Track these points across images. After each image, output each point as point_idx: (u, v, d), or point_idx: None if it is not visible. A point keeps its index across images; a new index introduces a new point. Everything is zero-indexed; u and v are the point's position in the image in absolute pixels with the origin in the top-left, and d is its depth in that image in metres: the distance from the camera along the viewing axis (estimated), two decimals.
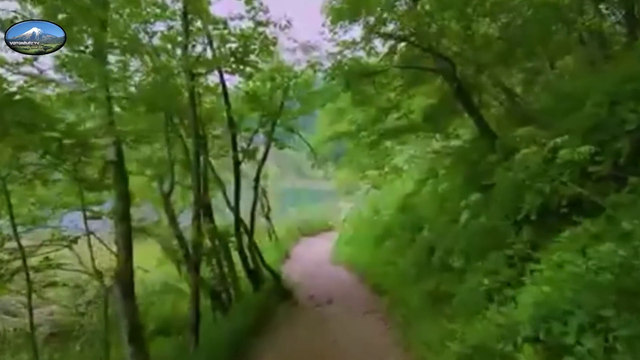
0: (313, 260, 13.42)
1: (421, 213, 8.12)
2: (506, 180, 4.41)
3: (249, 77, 6.65)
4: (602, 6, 6.25)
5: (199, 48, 6.68)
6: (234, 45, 6.66)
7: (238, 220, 7.65)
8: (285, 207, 23.53)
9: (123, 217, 4.48)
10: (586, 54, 6.52)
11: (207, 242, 6.77)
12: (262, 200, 14.15)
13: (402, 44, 6.99)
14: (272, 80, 7.79)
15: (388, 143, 17.49)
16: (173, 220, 6.78)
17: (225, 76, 7.20)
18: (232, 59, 6.60)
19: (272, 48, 7.16)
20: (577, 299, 2.48)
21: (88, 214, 4.49)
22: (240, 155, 7.44)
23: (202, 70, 6.35)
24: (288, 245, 15.96)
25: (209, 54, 6.82)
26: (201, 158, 6.60)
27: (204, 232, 5.55)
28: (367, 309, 6.98)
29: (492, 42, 6.32)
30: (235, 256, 8.00)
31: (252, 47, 6.66)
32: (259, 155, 8.87)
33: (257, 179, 8.55)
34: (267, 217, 14.14)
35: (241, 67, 6.64)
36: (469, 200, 5.11)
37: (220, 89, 7.03)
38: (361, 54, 7.37)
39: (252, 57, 6.71)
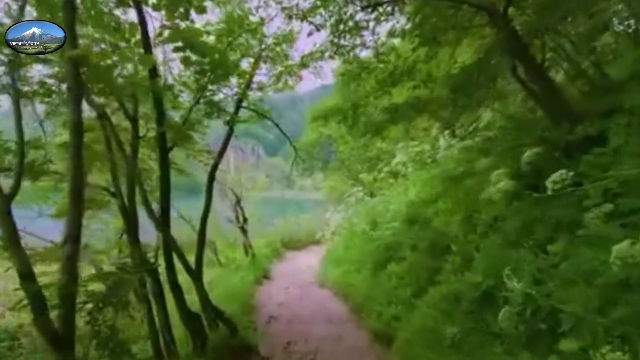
0: (296, 281, 10.73)
1: (443, 228, 5.60)
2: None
3: (184, 16, 3.94)
4: None
5: None
6: None
7: (167, 238, 4.89)
8: (269, 218, 20.93)
9: None
10: None
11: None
12: (236, 210, 11.48)
13: None
14: (229, 34, 5.16)
15: (383, 144, 15.10)
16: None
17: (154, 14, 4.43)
18: None
19: None
20: None
21: None
22: (168, 139, 4.64)
23: None
24: (268, 262, 13.25)
25: None
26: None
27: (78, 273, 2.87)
28: None
29: None
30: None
31: None
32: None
33: (210, 178, 5.90)
34: (243, 229, 11.43)
35: None
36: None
37: (139, 34, 4.21)
38: None
39: None
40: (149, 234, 5.77)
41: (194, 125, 4.77)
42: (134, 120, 4.75)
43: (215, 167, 5.86)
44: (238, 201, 11.27)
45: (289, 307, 7.91)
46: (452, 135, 9.13)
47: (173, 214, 11.38)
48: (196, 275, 5.53)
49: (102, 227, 6.17)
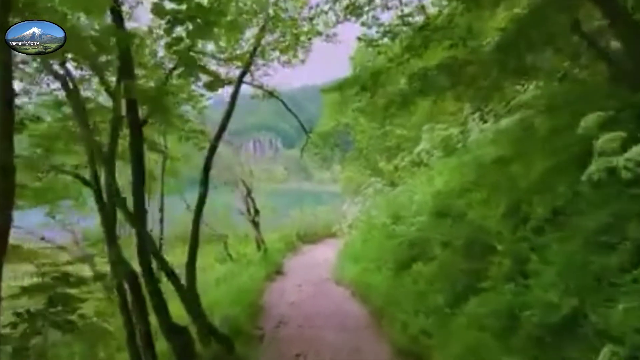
0: (311, 277, 9.88)
1: (480, 222, 4.58)
2: None
3: None
4: None
5: None
6: None
7: (143, 236, 3.83)
8: (286, 211, 20.17)
9: None
10: None
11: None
12: (247, 202, 10.67)
13: None
14: None
15: (404, 131, 13.95)
16: None
17: None
18: None
19: None
20: None
21: None
22: (142, 111, 3.69)
23: None
24: (282, 256, 12.45)
25: None
26: None
27: None
28: None
29: None
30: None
31: None
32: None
33: (206, 165, 5.01)
34: (254, 223, 10.62)
35: None
36: None
37: None
38: None
39: None
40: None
41: (174, 95, 3.89)
42: (113, 94, 3.91)
43: (212, 152, 4.98)
44: (249, 193, 10.44)
45: (301, 308, 7.05)
46: (483, 118, 8.00)
47: (181, 206, 10.72)
48: (188, 279, 4.70)
49: None
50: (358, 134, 15.94)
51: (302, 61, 5.80)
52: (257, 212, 10.78)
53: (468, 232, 4.59)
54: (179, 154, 12.54)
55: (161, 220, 8.25)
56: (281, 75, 5.71)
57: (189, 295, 4.62)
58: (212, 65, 5.79)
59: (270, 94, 5.70)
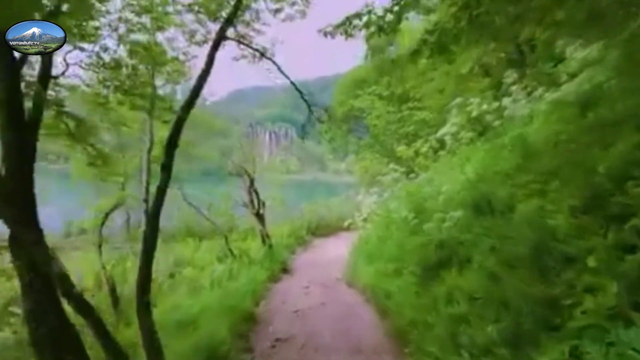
0: (320, 277, 8.65)
1: (537, 220, 3.18)
2: None
3: None
4: None
5: None
6: None
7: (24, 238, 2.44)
8: (298, 202, 19.00)
9: None
10: None
11: None
12: (250, 193, 9.44)
13: None
14: None
15: (424, 112, 12.39)
16: None
17: None
18: None
19: None
20: None
21: None
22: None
23: None
24: (291, 251, 11.24)
25: None
26: None
27: None
28: None
29: None
30: None
31: None
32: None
33: (170, 143, 3.67)
34: (258, 216, 9.38)
35: None
36: None
37: None
38: None
39: None
40: None
41: None
42: None
43: (179, 124, 3.67)
44: (252, 183, 9.20)
45: (306, 320, 5.80)
46: (526, 88, 6.47)
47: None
48: (139, 293, 3.49)
49: None
50: (374, 119, 14.49)
51: (302, 13, 4.44)
52: (261, 204, 9.53)
53: (529, 235, 3.19)
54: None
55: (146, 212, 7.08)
56: (297, 67, 4.56)
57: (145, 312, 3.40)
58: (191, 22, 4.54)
59: (262, 54, 4.38)
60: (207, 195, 13.39)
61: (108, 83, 3.82)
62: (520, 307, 2.82)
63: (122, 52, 4.19)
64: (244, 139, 17.85)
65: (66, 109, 3.44)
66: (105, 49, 3.62)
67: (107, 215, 6.57)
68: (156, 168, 9.10)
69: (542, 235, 3.07)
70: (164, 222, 13.02)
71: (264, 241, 9.61)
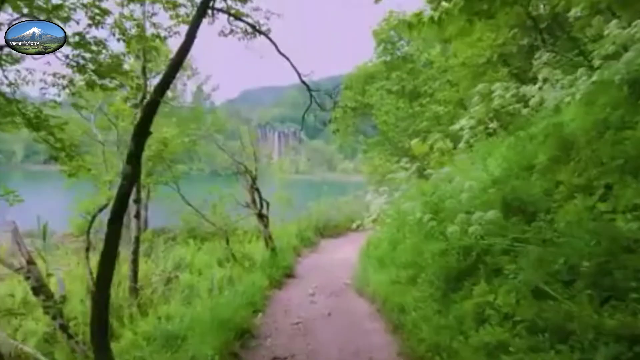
0: (327, 282, 7.95)
1: (597, 225, 2.44)
2: None
3: None
4: None
5: None
6: None
7: None
8: (306, 202, 18.29)
9: None
10: None
11: None
12: (252, 192, 8.80)
13: None
14: None
15: (440, 107, 11.60)
16: None
17: None
18: None
19: None
20: None
21: None
22: None
23: None
24: (297, 254, 10.57)
25: None
26: None
27: None
28: None
29: None
30: None
31: None
32: None
33: (139, 131, 2.94)
34: (260, 216, 8.73)
35: None
36: None
37: None
38: None
39: None
40: None
41: None
42: None
43: (152, 108, 2.98)
44: (254, 181, 8.54)
45: (310, 335, 5.11)
46: (556, 75, 5.67)
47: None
48: (94, 327, 2.82)
49: None
50: (383, 115, 13.72)
51: None
52: (263, 204, 8.87)
53: (583, 241, 2.45)
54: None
55: (137, 216, 6.48)
56: (307, 68, 4.04)
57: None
58: None
59: (254, 28, 3.71)
60: (211, 196, 12.76)
61: (71, 62, 3.19)
62: (583, 338, 2.09)
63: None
64: (250, 138, 17.27)
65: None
66: (67, 19, 2.99)
67: (94, 217, 5.98)
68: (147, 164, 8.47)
69: (610, 244, 2.33)
70: (164, 222, 12.37)
71: (267, 244, 8.95)
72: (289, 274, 8.47)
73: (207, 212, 10.52)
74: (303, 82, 4.19)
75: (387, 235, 8.00)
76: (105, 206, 6.30)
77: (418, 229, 6.07)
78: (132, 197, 6.21)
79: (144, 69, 5.94)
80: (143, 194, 13.59)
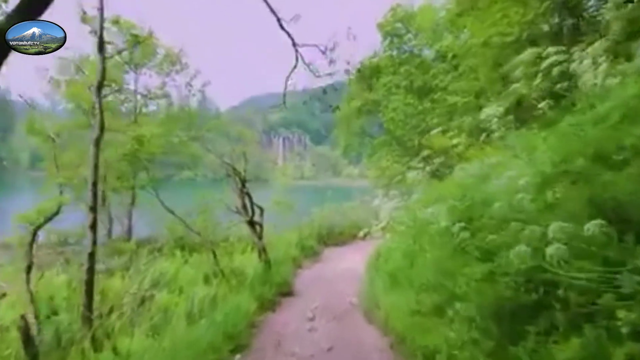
0: (330, 302, 6.61)
1: None
2: None
3: None
4: None
5: None
6: None
7: None
8: (310, 208, 16.93)
9: None
10: None
11: None
12: (242, 197, 7.48)
13: None
14: None
15: (457, 97, 10.21)
16: None
17: None
18: None
19: None
20: None
21: None
22: None
23: None
24: (296, 265, 9.23)
25: None
26: None
27: None
28: None
29: None
30: None
31: None
32: None
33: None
34: (252, 224, 7.40)
35: None
36: None
37: None
38: None
39: None
40: None
41: None
42: None
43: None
44: (243, 185, 7.22)
45: None
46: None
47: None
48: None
49: None
50: (390, 112, 12.38)
51: None
52: (255, 210, 7.54)
53: None
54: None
55: (92, 226, 5.17)
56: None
57: None
58: None
59: None
60: (204, 202, 11.46)
61: None
62: None
63: None
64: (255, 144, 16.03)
65: None
66: None
67: (37, 229, 4.70)
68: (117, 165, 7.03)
69: None
70: (152, 231, 10.89)
71: (260, 256, 7.61)
72: (286, 292, 7.11)
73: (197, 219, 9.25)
74: (283, 28, 2.91)
75: (401, 245, 6.60)
76: (55, 214, 5.03)
77: (441, 241, 4.69)
78: (89, 203, 4.91)
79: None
80: (128, 200, 12.42)
